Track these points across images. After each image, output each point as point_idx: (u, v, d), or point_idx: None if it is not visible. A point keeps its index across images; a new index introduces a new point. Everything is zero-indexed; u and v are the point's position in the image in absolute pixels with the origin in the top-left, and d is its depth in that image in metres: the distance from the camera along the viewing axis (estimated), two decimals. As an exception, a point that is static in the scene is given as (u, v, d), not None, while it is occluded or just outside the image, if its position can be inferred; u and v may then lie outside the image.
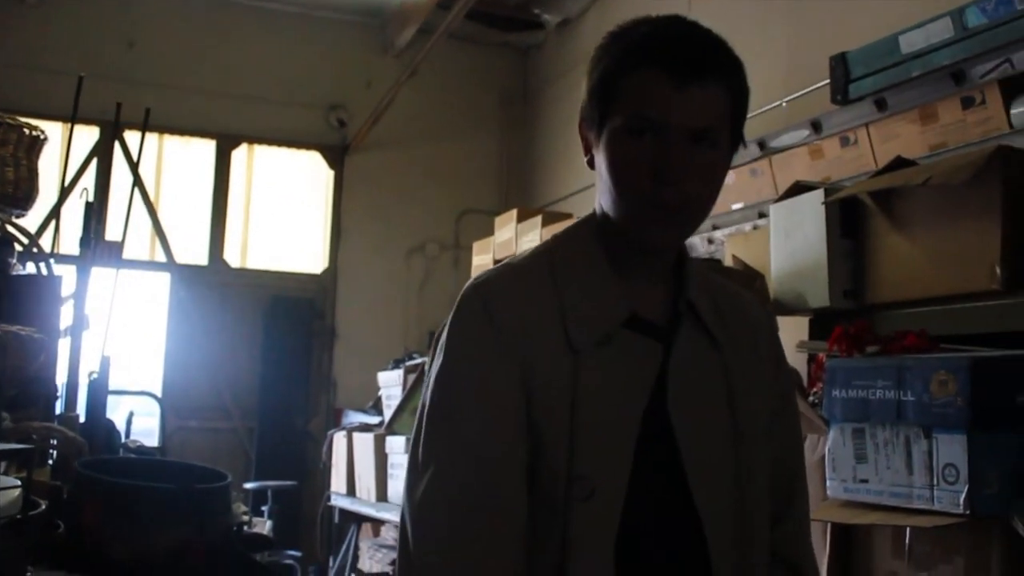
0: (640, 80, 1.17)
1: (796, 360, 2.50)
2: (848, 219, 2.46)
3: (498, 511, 1.16)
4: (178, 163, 6.28)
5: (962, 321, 2.20)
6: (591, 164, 1.26)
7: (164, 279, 6.13)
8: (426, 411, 1.22)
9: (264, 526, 3.94)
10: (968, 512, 1.53)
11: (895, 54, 2.84)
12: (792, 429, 1.41)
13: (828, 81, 3.11)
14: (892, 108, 2.94)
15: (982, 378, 1.53)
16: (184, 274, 6.11)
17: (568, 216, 4.17)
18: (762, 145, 3.51)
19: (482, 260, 4.79)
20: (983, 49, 2.62)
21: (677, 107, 1.16)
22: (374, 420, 5.02)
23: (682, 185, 1.17)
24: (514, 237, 4.39)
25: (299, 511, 5.89)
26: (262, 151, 6.48)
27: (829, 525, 1.85)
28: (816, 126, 3.23)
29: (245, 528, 2.11)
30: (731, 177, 3.63)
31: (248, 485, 5.42)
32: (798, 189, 2.62)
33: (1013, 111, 2.62)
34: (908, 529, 1.70)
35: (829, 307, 2.43)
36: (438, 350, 1.25)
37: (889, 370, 1.64)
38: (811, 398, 2.08)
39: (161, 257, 6.09)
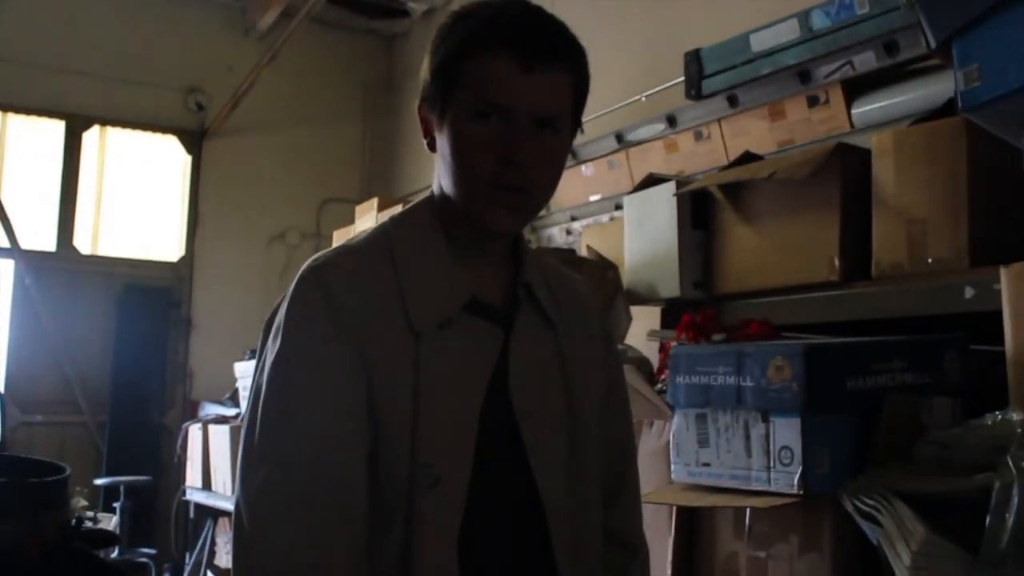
0: (486, 63, 1.16)
1: (648, 348, 2.57)
2: (699, 211, 2.53)
3: (338, 500, 1.13)
4: (24, 144, 5.97)
5: (804, 310, 2.29)
6: (431, 147, 1.25)
7: (7, 266, 5.82)
8: (262, 398, 1.17)
9: (110, 522, 3.81)
10: (802, 492, 1.60)
11: (746, 52, 2.93)
12: (622, 410, 1.43)
13: (683, 77, 3.19)
14: (743, 104, 3.03)
15: (816, 364, 1.59)
16: (30, 260, 5.81)
17: (430, 205, 4.16)
18: (620, 138, 3.58)
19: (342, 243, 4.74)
20: (827, 51, 2.72)
21: (523, 92, 1.16)
22: (231, 412, 4.91)
23: (527, 170, 1.17)
24: (375, 225, 4.35)
25: (154, 507, 5.70)
26: (115, 133, 6.22)
27: (674, 508, 1.90)
28: (671, 120, 3.31)
29: (88, 524, 2.03)
30: (589, 169, 3.69)
31: (99, 481, 5.22)
32: (651, 181, 2.68)
33: (854, 111, 2.74)
34: (748, 510, 1.76)
35: (680, 297, 2.50)
36: (273, 334, 1.20)
37: (729, 356, 1.69)
38: (659, 385, 2.13)
39: (4, 243, 5.79)
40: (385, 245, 1.24)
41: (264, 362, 1.20)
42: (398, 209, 4.23)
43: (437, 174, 1.25)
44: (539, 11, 1.21)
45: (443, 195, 1.24)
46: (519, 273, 1.28)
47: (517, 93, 1.15)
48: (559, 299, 1.33)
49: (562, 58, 1.19)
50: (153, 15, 6.12)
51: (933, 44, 1.69)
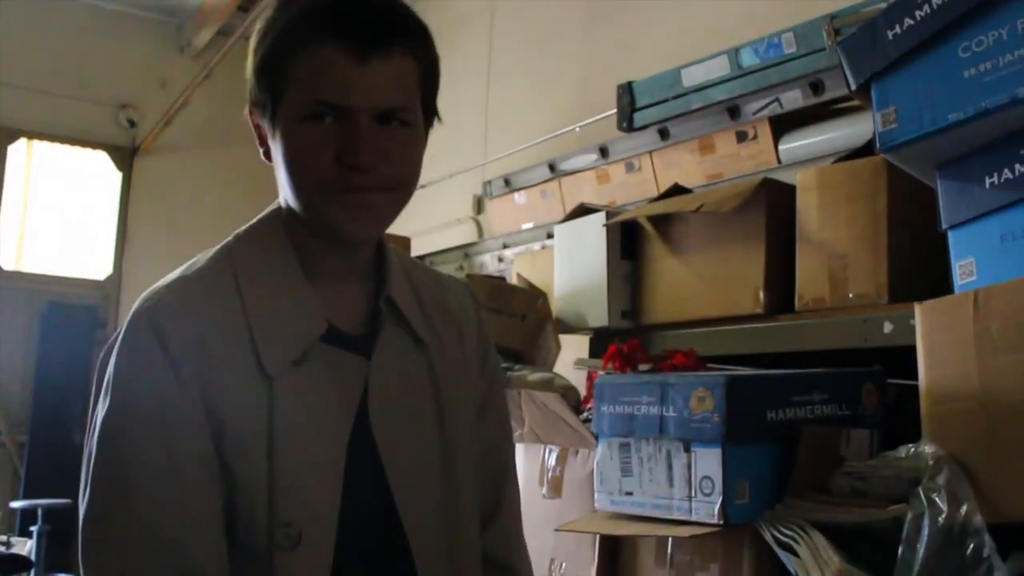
0: (313, 57, 1.03)
1: (576, 377, 2.58)
2: (628, 242, 2.56)
3: (185, 570, 1.00)
4: (-55, 156, 5.83)
5: (729, 342, 2.32)
6: (268, 156, 1.13)
7: (-75, 280, 5.67)
8: (93, 463, 1.03)
9: (25, 547, 3.70)
10: (722, 522, 1.61)
11: (677, 87, 2.98)
12: (499, 425, 1.33)
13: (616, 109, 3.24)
14: (674, 138, 3.09)
15: (736, 395, 1.62)
16: (-51, 276, 5.68)
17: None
18: (552, 167, 3.61)
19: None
20: (756, 87, 2.78)
21: (358, 86, 1.03)
22: (156, 434, 4.81)
23: (374, 171, 1.05)
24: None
25: (74, 530, 5.54)
26: (43, 147, 6.10)
27: (597, 537, 1.91)
28: (604, 151, 3.35)
29: (0, 549, 1.97)
30: (522, 197, 3.72)
31: (15, 504, 5.07)
32: (582, 211, 2.70)
33: (781, 147, 2.81)
34: (669, 539, 1.78)
35: (608, 326, 2.52)
36: (103, 388, 1.06)
37: (653, 386, 1.71)
38: (585, 414, 2.14)
39: (-77, 257, 5.64)
40: (228, 271, 1.11)
41: (95, 421, 1.05)
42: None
43: (279, 185, 1.13)
44: None
45: (290, 211, 1.13)
46: (382, 288, 1.17)
47: (352, 89, 1.03)
48: (430, 311, 1.22)
49: (402, 42, 1.06)
50: (85, 29, 6.02)
51: (853, 85, 1.74)
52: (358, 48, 1.03)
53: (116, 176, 6.26)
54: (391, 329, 1.16)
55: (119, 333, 1.08)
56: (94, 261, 6.21)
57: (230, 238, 1.16)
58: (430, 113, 1.14)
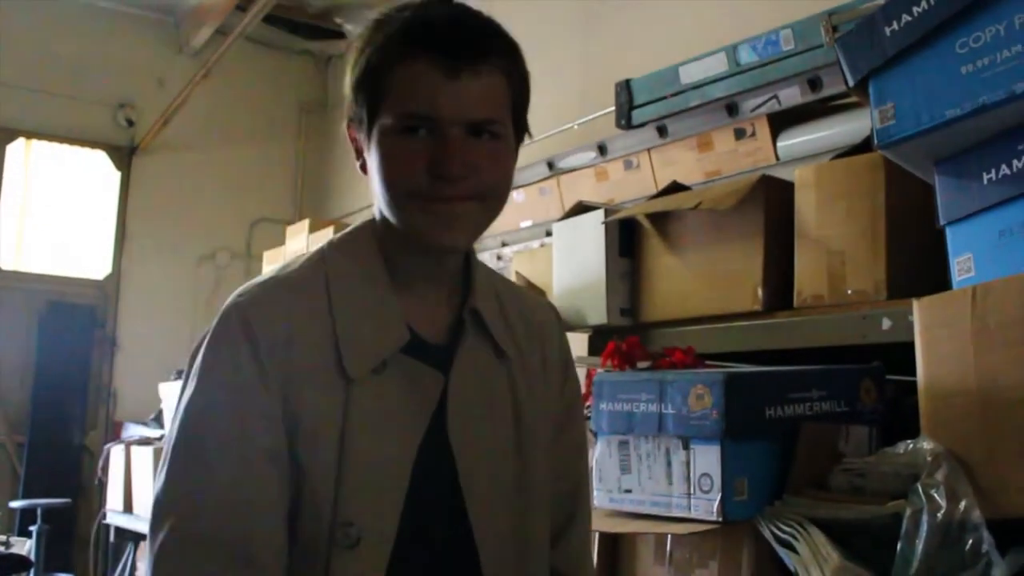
0: (406, 72, 1.08)
1: (575, 374, 2.58)
2: (626, 239, 2.55)
3: (248, 563, 1.04)
4: (-57, 155, 5.83)
5: (728, 339, 2.32)
6: (364, 168, 1.17)
7: (-76, 280, 5.67)
8: (172, 444, 1.09)
9: (24, 546, 3.70)
10: (721, 519, 1.62)
11: (675, 84, 2.98)
12: (576, 442, 1.35)
13: (614, 107, 3.24)
14: (672, 135, 3.08)
15: (735, 392, 1.62)
16: (-52, 275, 5.68)
17: (362, 228, 4.15)
18: (551, 165, 3.60)
19: (273, 270, 4.70)
20: (754, 85, 2.78)
21: (449, 99, 1.07)
22: (155, 433, 4.82)
23: (464, 182, 1.09)
24: (306, 247, 4.33)
25: (73, 530, 5.56)
26: (41, 147, 6.10)
27: (597, 534, 1.91)
28: (602, 149, 3.34)
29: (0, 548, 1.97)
30: (521, 195, 3.71)
31: (14, 504, 5.08)
32: (580, 209, 2.70)
33: (779, 144, 2.80)
34: (668, 536, 1.78)
35: (606, 324, 2.51)
36: (191, 374, 1.11)
37: (652, 384, 1.71)
38: (584, 411, 2.14)
39: (-78, 256, 5.64)
40: (320, 276, 1.15)
41: (179, 406, 1.11)
42: (329, 231, 4.23)
43: (374, 197, 1.17)
44: (463, 9, 1.13)
45: (383, 220, 1.17)
46: (467, 299, 1.21)
47: (443, 103, 1.07)
48: (513, 325, 1.25)
49: (491, 57, 1.10)
50: (84, 28, 6.02)
51: (851, 82, 1.74)
52: (449, 63, 1.07)
53: (115, 175, 6.27)
54: (473, 340, 1.20)
55: (211, 326, 1.13)
56: (93, 261, 6.21)
57: (324, 244, 1.21)
58: (520, 128, 1.18)
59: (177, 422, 1.09)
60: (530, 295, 1.40)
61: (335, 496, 1.07)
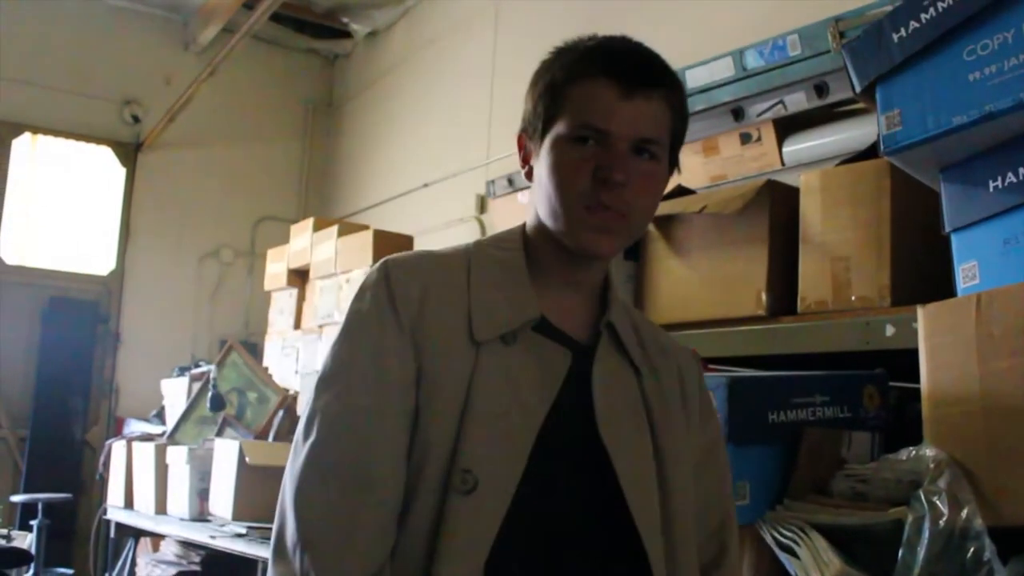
0: (586, 89, 1.19)
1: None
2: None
3: (366, 489, 1.12)
4: (-52, 149, 5.84)
5: (731, 343, 2.32)
6: (528, 175, 1.26)
7: (-72, 274, 5.68)
8: (320, 375, 1.20)
9: (25, 540, 3.70)
10: (722, 523, 1.61)
11: (682, 88, 2.97)
12: (720, 477, 1.37)
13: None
14: (678, 139, 3.07)
15: (738, 397, 1.62)
16: (-47, 270, 5.69)
17: (365, 228, 4.15)
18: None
19: (276, 268, 4.71)
20: (760, 90, 2.77)
21: (621, 116, 1.17)
22: (157, 430, 4.82)
23: (622, 190, 1.16)
24: (309, 246, 4.33)
25: (74, 525, 5.57)
26: (47, 142, 6.11)
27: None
28: (608, 152, 3.34)
29: (0, 542, 1.98)
30: (525, 197, 3.72)
31: (15, 498, 5.08)
32: (586, 211, 2.70)
33: (785, 149, 2.80)
34: (670, 540, 1.78)
35: (610, 327, 2.51)
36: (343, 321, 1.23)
37: (655, 387, 1.71)
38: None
39: (-74, 250, 5.65)
40: (464, 258, 1.25)
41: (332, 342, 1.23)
42: (333, 230, 4.22)
43: (531, 203, 1.26)
44: (640, 44, 1.24)
45: (536, 224, 1.25)
46: (604, 313, 1.27)
47: (615, 117, 1.17)
48: (647, 346, 1.31)
49: (661, 86, 1.20)
50: (90, 24, 6.04)
51: (858, 88, 1.74)
52: (626, 84, 1.18)
53: (120, 171, 6.28)
54: (608, 346, 1.25)
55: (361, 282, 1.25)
56: (97, 256, 6.22)
57: (472, 242, 1.30)
58: (674, 161, 1.27)
59: (327, 356, 1.20)
60: (668, 336, 1.44)
61: (455, 445, 1.13)
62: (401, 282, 1.20)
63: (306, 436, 1.16)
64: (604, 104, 1.17)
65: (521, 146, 1.29)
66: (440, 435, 1.14)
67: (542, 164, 1.21)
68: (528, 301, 1.21)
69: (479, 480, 1.12)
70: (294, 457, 1.16)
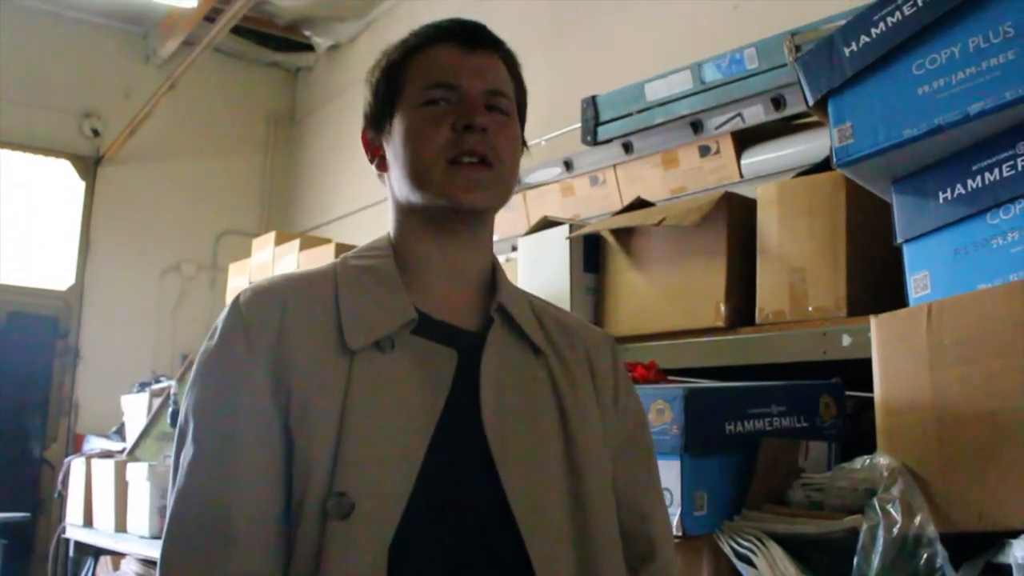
0: (428, 55, 1.19)
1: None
2: (591, 255, 2.57)
3: (237, 540, 1.04)
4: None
5: (690, 354, 2.33)
6: (382, 166, 1.24)
7: None
8: (177, 428, 1.15)
9: (-21, 560, 3.64)
10: (680, 533, 1.62)
11: (640, 101, 3.00)
12: (644, 467, 1.31)
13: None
14: (637, 152, 3.09)
15: (695, 407, 1.63)
16: (-93, 285, 5.59)
17: (327, 241, 4.13)
18: (517, 180, 3.61)
19: (238, 282, 4.67)
20: (718, 102, 2.80)
21: (468, 68, 1.18)
22: (117, 446, 4.76)
23: (485, 135, 1.15)
24: (271, 260, 4.31)
25: (32, 545, 5.48)
26: (4, 155, 6.03)
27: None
28: (568, 165, 3.35)
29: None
30: (487, 209, 3.71)
31: (-28, 517, 5.00)
32: (546, 224, 2.71)
33: (743, 161, 2.82)
34: (629, 551, 1.78)
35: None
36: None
37: (612, 399, 1.72)
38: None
39: None
40: (329, 271, 1.21)
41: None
42: (295, 243, 4.19)
43: (394, 188, 1.22)
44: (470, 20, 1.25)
45: (400, 215, 1.22)
46: (494, 297, 1.22)
47: (464, 70, 1.17)
48: (547, 327, 1.25)
49: (500, 48, 1.23)
50: (48, 36, 5.98)
51: (811, 101, 1.77)
52: (466, 42, 1.19)
53: (79, 185, 6.21)
54: (501, 331, 1.20)
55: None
56: (56, 271, 6.14)
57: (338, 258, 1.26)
58: (522, 123, 1.27)
59: (183, 403, 1.15)
60: (577, 317, 1.40)
61: (331, 466, 1.06)
62: (255, 308, 1.14)
63: (172, 488, 1.11)
64: (450, 61, 1.18)
65: (366, 142, 1.26)
66: (320, 456, 1.06)
67: (395, 140, 1.18)
68: (402, 303, 1.15)
69: (355, 504, 1.04)
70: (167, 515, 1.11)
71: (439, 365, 1.13)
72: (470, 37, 1.20)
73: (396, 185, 1.20)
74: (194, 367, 1.16)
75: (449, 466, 1.09)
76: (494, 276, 1.25)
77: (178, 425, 1.14)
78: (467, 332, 1.18)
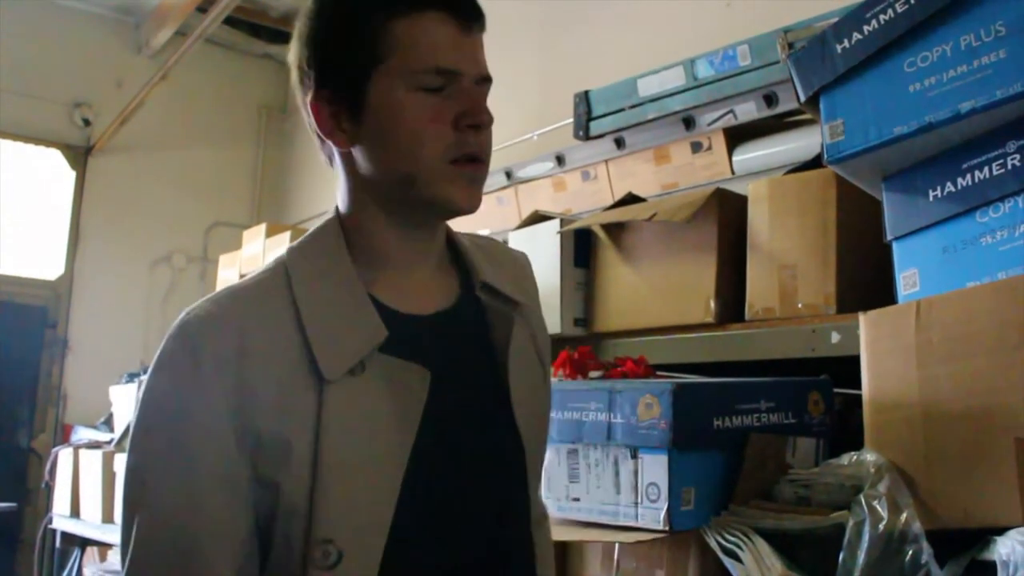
0: (421, 26, 1.03)
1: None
2: (582, 249, 2.57)
3: None
4: None
5: (680, 350, 2.34)
6: (340, 140, 1.07)
7: None
8: (124, 482, 1.00)
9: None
10: (667, 528, 1.62)
11: (633, 96, 3.00)
12: (547, 423, 1.30)
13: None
14: (629, 147, 3.09)
15: (683, 402, 1.63)
16: None
17: (319, 233, 4.12)
18: (509, 175, 3.61)
19: (228, 274, 4.67)
20: (711, 99, 2.80)
21: (466, 53, 1.05)
22: (105, 437, 4.75)
23: (486, 134, 1.06)
24: (262, 252, 4.30)
25: (19, 535, 5.46)
26: (-7, 144, 6.01)
27: (545, 542, 1.91)
28: (560, 159, 3.35)
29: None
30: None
31: (-41, 508, 4.99)
32: (537, 218, 2.71)
33: (735, 158, 2.82)
34: (616, 545, 1.79)
35: (560, 333, 2.52)
36: (137, 401, 1.03)
37: (601, 393, 1.72)
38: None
39: None
40: (281, 281, 1.06)
41: (128, 435, 1.02)
42: (286, 235, 4.17)
43: (353, 174, 1.09)
44: None
45: (363, 202, 1.10)
46: (470, 275, 1.17)
47: (463, 54, 1.04)
48: (513, 276, 1.23)
49: (483, 23, 1.09)
50: (39, 25, 5.93)
51: (802, 98, 1.77)
52: (463, 17, 1.05)
53: (70, 175, 6.18)
54: (495, 308, 1.16)
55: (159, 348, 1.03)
56: (45, 261, 6.11)
57: (284, 251, 1.11)
58: None
59: (128, 452, 1.02)
60: (497, 242, 1.32)
61: (309, 512, 0.97)
62: (207, 347, 0.99)
63: (123, 557, 0.98)
64: (449, 42, 1.03)
65: (319, 112, 1.07)
66: (295, 505, 0.98)
67: (377, 122, 1.04)
68: (370, 319, 1.04)
69: (343, 552, 0.97)
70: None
71: (411, 385, 1.05)
72: (467, 11, 1.05)
73: (371, 168, 1.07)
74: (141, 409, 1.01)
75: (428, 489, 1.04)
76: (452, 247, 1.20)
77: (126, 481, 1.00)
78: (433, 316, 1.11)
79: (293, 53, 1.10)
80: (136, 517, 0.98)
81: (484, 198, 3.35)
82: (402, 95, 1.03)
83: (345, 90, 1.05)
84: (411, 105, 1.03)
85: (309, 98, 1.08)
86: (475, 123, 1.04)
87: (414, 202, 1.07)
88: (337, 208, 1.13)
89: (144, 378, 1.04)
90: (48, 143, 6.10)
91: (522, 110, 3.95)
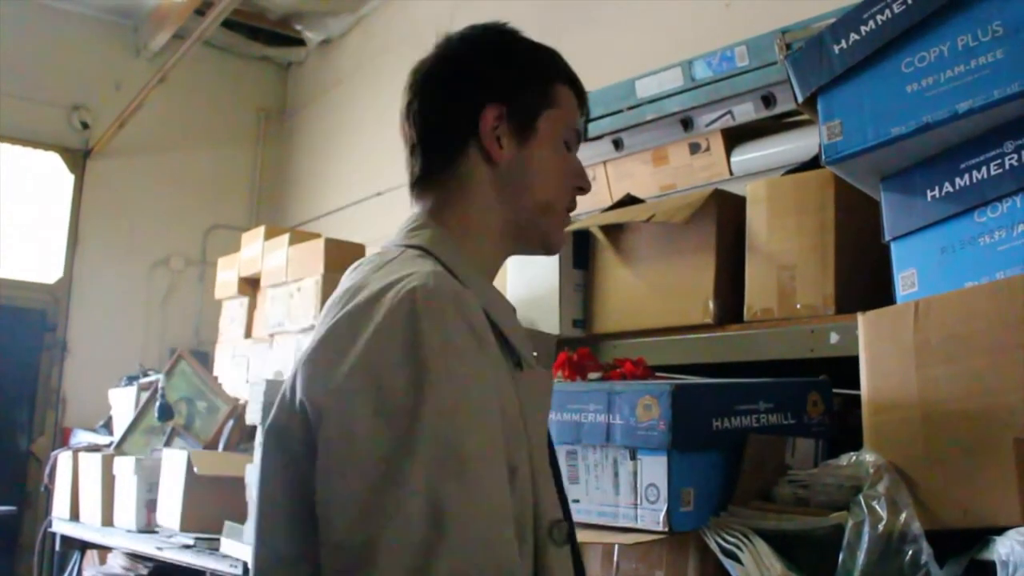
0: (568, 94, 1.22)
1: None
2: (580, 251, 2.57)
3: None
4: None
5: (679, 351, 2.34)
6: (495, 153, 1.15)
7: None
8: (417, 451, 0.90)
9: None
10: (667, 529, 1.62)
11: (631, 98, 2.99)
12: None
13: (572, 119, 3.24)
14: (628, 148, 3.09)
15: (682, 404, 1.63)
16: None
17: (317, 236, 4.11)
18: (508, 175, 3.61)
19: (227, 276, 4.66)
20: (708, 100, 2.79)
21: None
22: (104, 440, 4.75)
23: None
24: (260, 255, 4.29)
25: (18, 539, 5.46)
26: (-8, 148, 6.01)
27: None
28: (559, 161, 3.35)
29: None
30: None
31: (-42, 510, 4.99)
32: (536, 219, 2.71)
33: (733, 159, 2.82)
34: (615, 546, 1.79)
35: (560, 335, 2.52)
36: (417, 366, 0.93)
37: (600, 394, 1.72)
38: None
39: None
40: (457, 283, 1.05)
41: (411, 401, 0.92)
42: (284, 238, 4.14)
43: (488, 193, 1.16)
44: None
45: (492, 219, 1.17)
46: None
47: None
48: None
49: None
50: (38, 27, 5.94)
51: (800, 99, 1.77)
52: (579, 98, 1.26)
53: (68, 178, 6.18)
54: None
55: (418, 312, 0.96)
56: (44, 264, 6.11)
57: (406, 252, 1.10)
58: None
59: (423, 424, 0.92)
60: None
61: (535, 490, 1.03)
62: (475, 312, 1.00)
63: (436, 532, 0.89)
64: (579, 115, 1.24)
65: (490, 118, 1.15)
66: (526, 487, 1.01)
67: (536, 157, 1.17)
68: (517, 321, 1.17)
69: (571, 531, 1.08)
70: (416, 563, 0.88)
71: (550, 385, 1.20)
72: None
73: (518, 186, 1.16)
74: (448, 383, 0.94)
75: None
76: None
77: (423, 438, 0.91)
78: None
79: (470, 51, 1.21)
80: (461, 495, 0.91)
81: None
82: (556, 145, 1.20)
83: (520, 115, 1.17)
84: (562, 157, 1.21)
85: (484, 105, 1.16)
86: (584, 189, 1.24)
87: (535, 227, 1.20)
88: (431, 221, 1.16)
89: (418, 335, 0.94)
90: (47, 146, 6.11)
91: (520, 112, 3.95)
